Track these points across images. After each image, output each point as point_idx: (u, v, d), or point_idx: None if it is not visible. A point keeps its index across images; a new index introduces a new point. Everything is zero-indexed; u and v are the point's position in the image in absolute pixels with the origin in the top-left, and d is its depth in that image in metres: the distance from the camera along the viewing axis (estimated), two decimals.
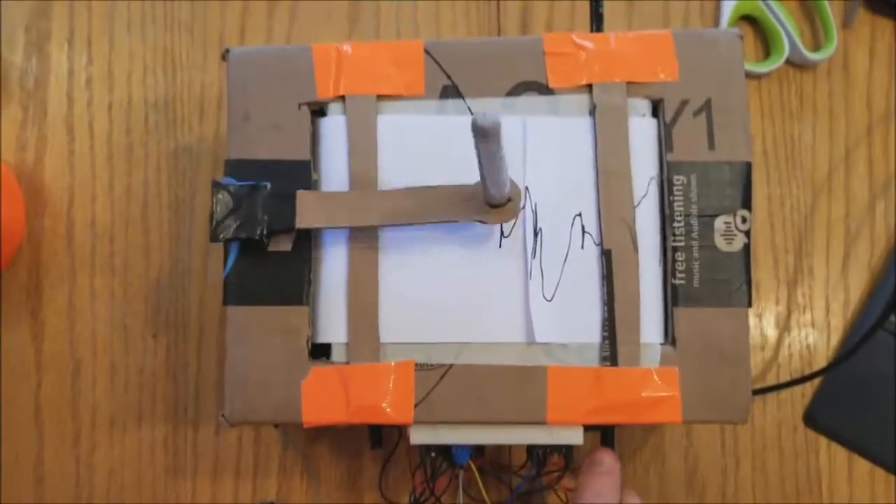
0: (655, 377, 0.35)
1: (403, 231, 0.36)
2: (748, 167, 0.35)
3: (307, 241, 0.36)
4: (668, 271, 0.35)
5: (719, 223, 0.35)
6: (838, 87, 0.49)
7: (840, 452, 0.46)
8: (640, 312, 0.35)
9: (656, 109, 0.36)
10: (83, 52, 0.49)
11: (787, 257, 0.48)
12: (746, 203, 0.35)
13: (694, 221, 0.35)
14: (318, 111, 0.37)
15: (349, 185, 0.36)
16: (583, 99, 0.36)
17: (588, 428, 0.36)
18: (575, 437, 0.36)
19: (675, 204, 0.35)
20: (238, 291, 0.36)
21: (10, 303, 0.47)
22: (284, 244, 0.36)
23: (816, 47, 0.49)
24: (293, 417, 0.35)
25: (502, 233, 0.36)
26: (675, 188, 0.35)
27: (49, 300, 0.47)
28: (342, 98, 0.37)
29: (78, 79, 0.49)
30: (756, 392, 0.44)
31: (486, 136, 0.28)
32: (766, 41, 0.49)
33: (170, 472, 0.46)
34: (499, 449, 0.45)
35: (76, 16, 0.50)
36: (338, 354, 0.36)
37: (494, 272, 0.35)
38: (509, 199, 0.33)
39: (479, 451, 0.39)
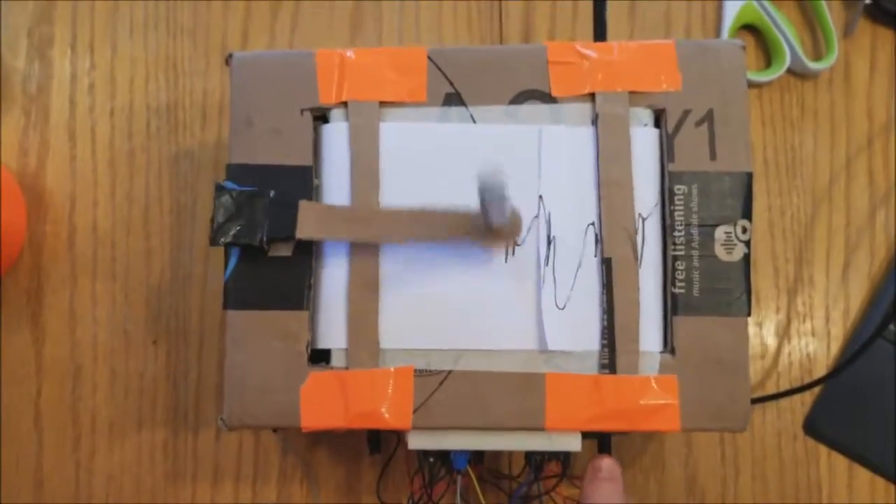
0: (654, 385, 0.35)
1: None
2: (749, 178, 0.36)
3: (308, 247, 0.36)
4: (668, 280, 0.35)
5: (720, 233, 0.35)
6: (839, 97, 0.49)
7: (840, 461, 0.46)
8: (640, 320, 0.35)
9: (658, 119, 0.37)
10: (86, 58, 0.50)
11: (788, 266, 0.48)
12: (747, 213, 0.35)
13: (694, 231, 0.35)
14: (321, 117, 0.37)
15: (350, 193, 0.36)
16: (585, 108, 0.36)
17: (586, 435, 0.36)
18: (573, 443, 0.36)
19: (676, 213, 0.36)
20: (238, 296, 0.36)
21: (10, 307, 0.47)
22: (285, 250, 0.36)
23: (817, 57, 0.49)
24: (292, 422, 0.35)
25: (515, 241, 0.36)
26: (676, 198, 0.36)
27: (50, 305, 0.47)
28: (345, 104, 0.37)
29: (80, 84, 0.49)
30: (756, 400, 0.44)
31: (491, 194, 0.29)
32: (767, 50, 0.50)
33: (169, 478, 0.46)
34: (497, 455, 0.45)
35: (79, 21, 0.50)
36: (337, 360, 0.36)
37: (501, 279, 0.36)
38: (510, 226, 0.34)
39: (477, 456, 0.39)
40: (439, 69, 0.37)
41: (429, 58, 0.37)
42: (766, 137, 0.48)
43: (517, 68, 0.36)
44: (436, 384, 0.35)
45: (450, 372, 0.35)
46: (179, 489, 0.46)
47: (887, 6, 0.48)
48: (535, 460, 0.38)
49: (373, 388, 0.35)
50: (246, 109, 0.37)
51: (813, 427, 0.46)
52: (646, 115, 0.36)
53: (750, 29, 0.50)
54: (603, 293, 0.35)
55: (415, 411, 0.35)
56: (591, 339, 0.35)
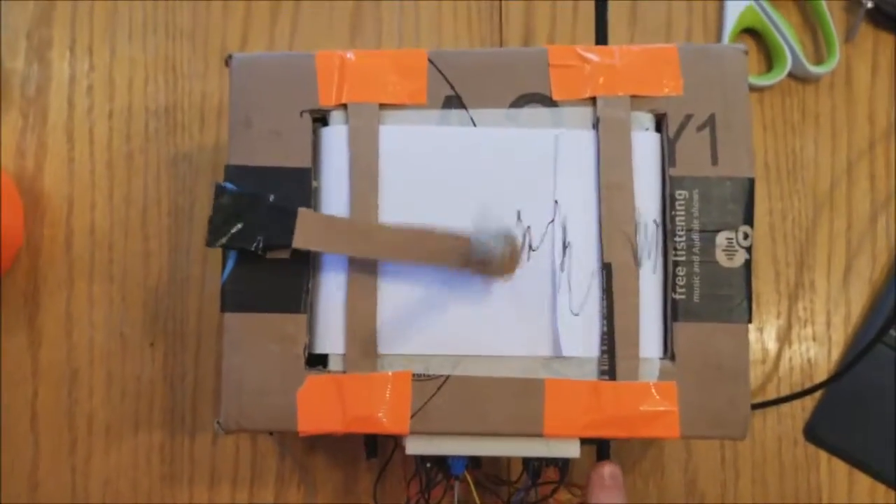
0: (654, 392, 0.34)
1: None
2: (751, 183, 0.35)
3: (306, 250, 0.36)
4: (668, 286, 0.35)
5: (721, 239, 0.35)
6: (840, 101, 0.49)
7: (840, 467, 0.46)
8: (640, 326, 0.35)
9: (660, 123, 0.36)
10: (84, 60, 0.49)
11: (789, 271, 0.47)
12: (748, 219, 0.35)
13: (695, 236, 0.35)
14: (320, 119, 0.37)
15: (349, 196, 0.36)
16: (586, 112, 0.36)
17: (585, 441, 0.36)
18: (572, 450, 0.36)
19: (677, 218, 0.35)
20: (235, 298, 0.36)
21: (7, 310, 0.47)
22: (283, 252, 0.36)
23: (819, 61, 0.49)
24: (289, 425, 0.35)
25: (530, 246, 0.35)
26: (677, 203, 0.35)
27: (47, 307, 0.47)
28: (344, 106, 0.36)
29: (79, 86, 0.49)
30: (756, 406, 0.44)
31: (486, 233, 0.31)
32: (768, 54, 0.49)
33: (166, 481, 0.46)
34: (495, 460, 0.45)
35: (78, 23, 0.50)
36: (335, 364, 0.36)
37: (510, 285, 0.35)
38: (509, 260, 0.33)
39: (474, 462, 0.39)
40: (440, 72, 0.37)
41: (429, 60, 0.37)
42: (767, 141, 0.48)
43: (518, 71, 0.36)
44: (434, 389, 0.35)
45: (448, 377, 0.35)
46: (176, 492, 0.46)
47: (889, 11, 0.48)
48: (533, 466, 0.38)
49: (370, 392, 0.35)
50: (245, 111, 0.36)
51: (813, 433, 0.46)
52: (647, 120, 0.36)
53: (751, 32, 0.50)
54: (603, 298, 0.35)
55: (412, 416, 0.35)
56: (590, 345, 0.35)
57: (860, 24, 0.49)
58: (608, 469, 0.36)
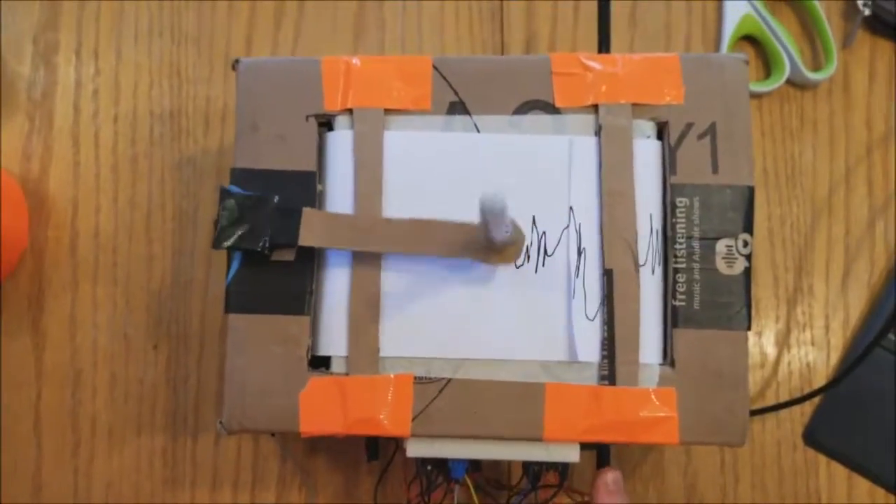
0: (653, 398, 0.35)
1: None
2: (751, 191, 0.36)
3: (310, 252, 0.36)
4: (668, 292, 0.36)
5: (720, 246, 0.35)
6: (838, 107, 0.49)
7: (840, 471, 0.46)
8: (640, 332, 0.35)
9: (661, 131, 0.37)
10: (90, 64, 0.50)
11: (787, 275, 0.48)
12: (748, 227, 0.36)
13: (695, 244, 0.35)
14: (326, 123, 0.37)
15: (354, 200, 0.36)
16: (588, 119, 0.36)
17: (585, 446, 0.36)
18: (571, 454, 0.36)
19: (678, 226, 0.36)
20: (240, 300, 0.36)
21: (11, 312, 0.47)
22: (287, 255, 0.36)
23: (817, 67, 0.49)
24: (291, 427, 0.35)
25: (545, 252, 0.36)
26: (677, 210, 0.36)
27: (51, 310, 0.47)
28: (350, 111, 0.37)
29: (84, 90, 0.49)
30: (755, 412, 0.44)
31: (493, 215, 0.29)
32: (767, 61, 0.50)
33: (168, 483, 0.46)
34: (495, 464, 0.45)
35: (84, 28, 0.50)
36: (337, 366, 0.36)
37: (519, 290, 0.35)
38: (513, 244, 0.34)
39: (475, 465, 0.39)
40: (444, 78, 0.37)
41: (434, 66, 0.37)
42: (766, 147, 0.49)
43: (521, 78, 0.37)
44: (435, 392, 0.35)
45: (449, 380, 0.35)
46: (178, 495, 0.46)
47: (886, 18, 0.48)
48: (533, 470, 0.38)
49: (372, 394, 0.35)
50: (251, 115, 0.37)
51: (812, 437, 0.46)
52: (648, 128, 0.36)
53: (750, 39, 0.50)
54: (603, 304, 0.35)
55: (414, 419, 0.35)
56: (591, 351, 0.35)
57: (857, 31, 0.49)
58: (611, 475, 0.37)
